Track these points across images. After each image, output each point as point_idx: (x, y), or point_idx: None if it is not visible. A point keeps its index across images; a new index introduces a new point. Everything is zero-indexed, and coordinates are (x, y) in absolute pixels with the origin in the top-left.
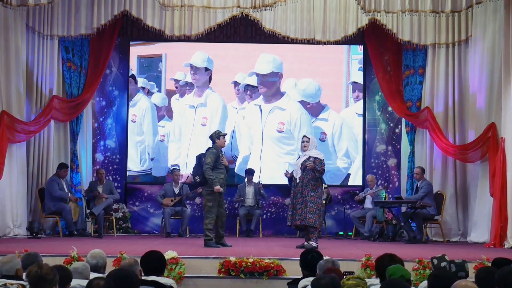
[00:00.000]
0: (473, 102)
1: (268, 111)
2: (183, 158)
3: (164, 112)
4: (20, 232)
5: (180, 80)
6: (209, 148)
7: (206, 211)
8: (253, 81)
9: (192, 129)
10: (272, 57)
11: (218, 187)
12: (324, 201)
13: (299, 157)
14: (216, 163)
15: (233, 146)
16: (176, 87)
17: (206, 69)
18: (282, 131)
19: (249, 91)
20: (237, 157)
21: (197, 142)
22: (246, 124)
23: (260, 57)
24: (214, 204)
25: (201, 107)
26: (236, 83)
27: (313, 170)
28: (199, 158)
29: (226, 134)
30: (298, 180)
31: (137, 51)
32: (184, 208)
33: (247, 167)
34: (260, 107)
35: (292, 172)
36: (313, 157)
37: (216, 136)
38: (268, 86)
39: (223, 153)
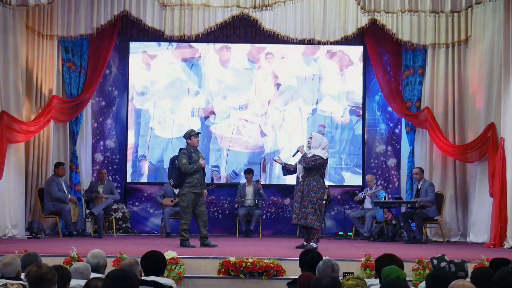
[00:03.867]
0: (472, 102)
1: (308, 113)
2: (223, 159)
3: (208, 114)
4: (17, 232)
5: (223, 82)
6: (181, 149)
7: (181, 211)
8: (293, 82)
9: (232, 131)
10: (312, 59)
11: (203, 162)
12: (324, 202)
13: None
14: (189, 162)
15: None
16: (219, 89)
17: (247, 70)
18: (323, 134)
19: (291, 92)
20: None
21: (237, 144)
22: (287, 126)
23: (300, 59)
24: (189, 205)
25: (242, 109)
26: (278, 85)
27: (302, 157)
28: (173, 160)
29: (199, 133)
30: (300, 179)
31: (181, 52)
32: None
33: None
34: (300, 109)
35: (286, 162)
36: (315, 155)
37: (188, 136)
38: (308, 88)
39: (200, 153)
